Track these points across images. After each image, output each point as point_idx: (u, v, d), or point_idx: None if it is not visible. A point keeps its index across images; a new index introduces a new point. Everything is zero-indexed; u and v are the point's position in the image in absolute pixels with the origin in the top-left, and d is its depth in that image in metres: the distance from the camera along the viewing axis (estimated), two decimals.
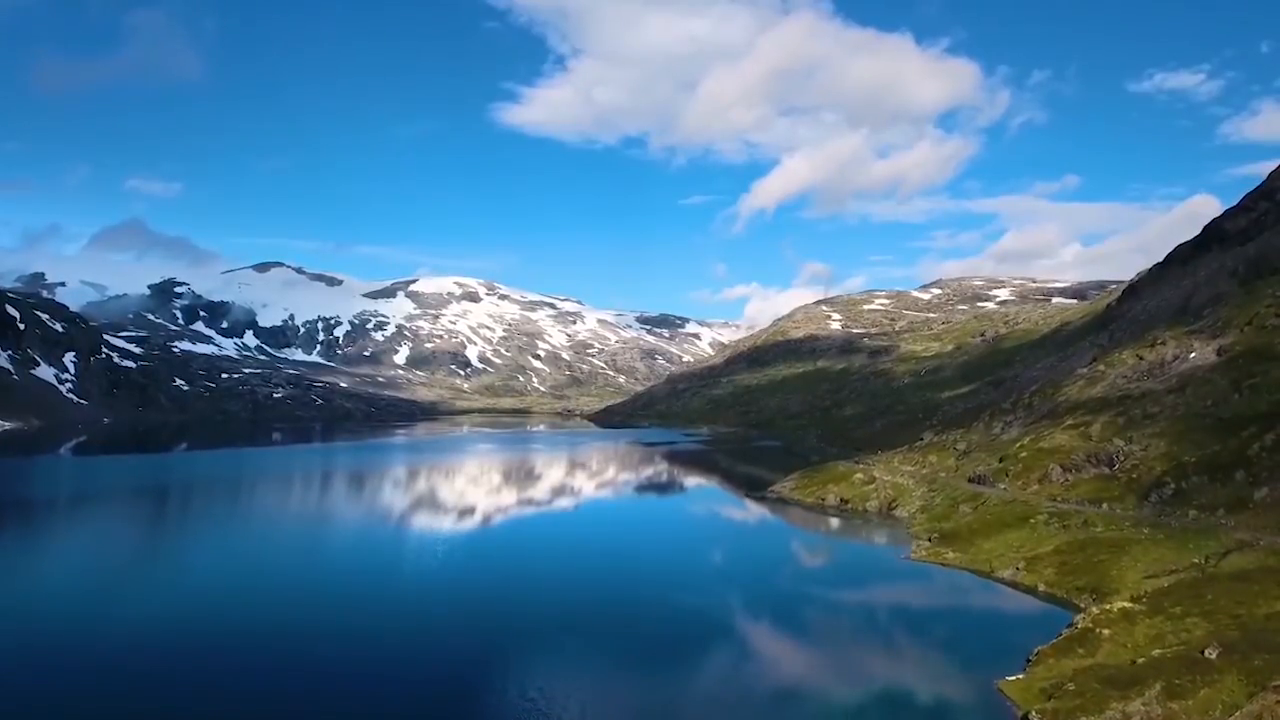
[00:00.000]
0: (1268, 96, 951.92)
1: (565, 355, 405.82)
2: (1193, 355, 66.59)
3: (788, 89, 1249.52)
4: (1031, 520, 48.22)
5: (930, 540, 50.89)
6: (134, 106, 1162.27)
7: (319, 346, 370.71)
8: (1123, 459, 53.17)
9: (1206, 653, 24.33)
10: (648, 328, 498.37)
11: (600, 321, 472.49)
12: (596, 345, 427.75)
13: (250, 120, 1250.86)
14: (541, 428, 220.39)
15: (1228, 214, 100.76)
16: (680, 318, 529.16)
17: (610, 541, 59.34)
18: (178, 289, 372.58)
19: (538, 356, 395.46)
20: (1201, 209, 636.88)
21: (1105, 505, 48.02)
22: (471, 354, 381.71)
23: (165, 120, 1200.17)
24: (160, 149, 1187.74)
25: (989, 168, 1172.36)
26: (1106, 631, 27.97)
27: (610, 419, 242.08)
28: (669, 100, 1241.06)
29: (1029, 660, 28.52)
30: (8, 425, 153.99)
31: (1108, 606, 30.22)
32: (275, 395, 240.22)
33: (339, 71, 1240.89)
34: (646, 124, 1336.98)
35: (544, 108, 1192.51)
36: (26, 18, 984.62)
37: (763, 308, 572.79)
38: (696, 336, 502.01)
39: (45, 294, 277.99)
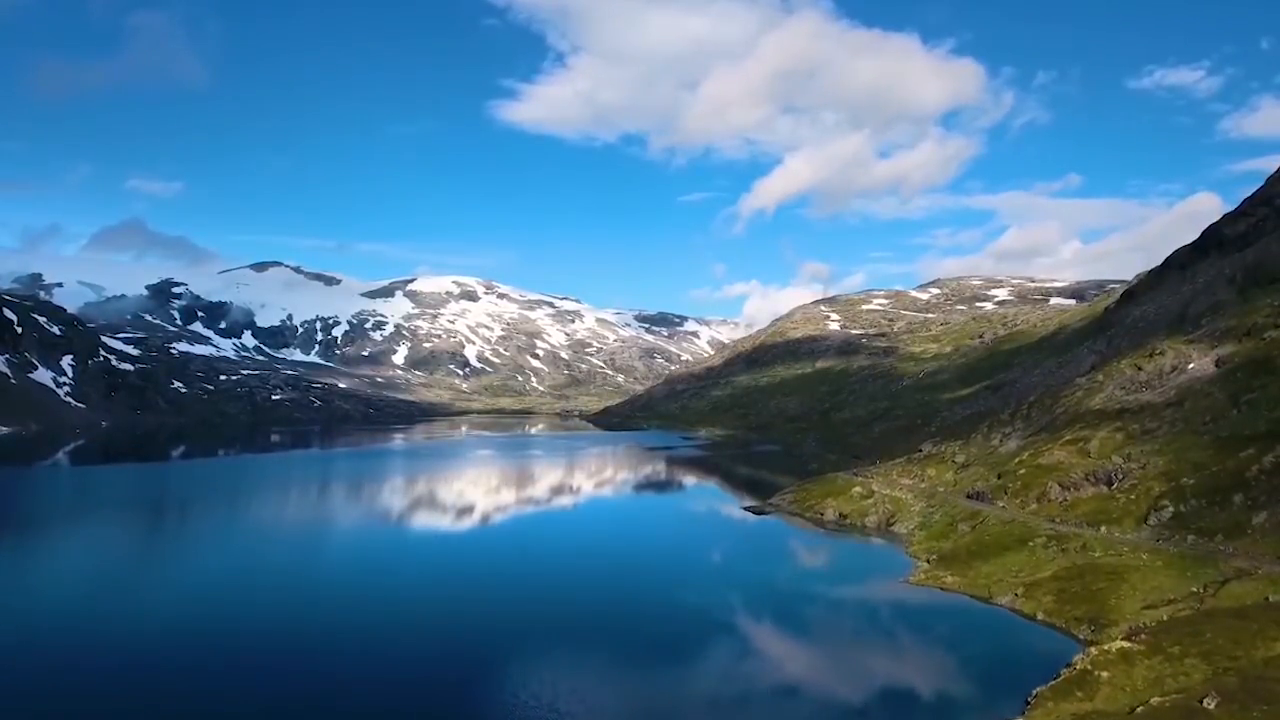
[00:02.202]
0: (1267, 93, 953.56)
1: (564, 354, 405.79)
2: (1191, 366, 66.43)
3: (790, 89, 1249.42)
4: (1030, 543, 48.06)
5: (929, 562, 50.80)
6: (134, 107, 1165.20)
7: (317, 347, 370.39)
8: (1121, 478, 53.03)
9: (1205, 702, 24.18)
10: (646, 326, 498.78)
11: (599, 320, 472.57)
12: (595, 344, 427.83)
13: (250, 120, 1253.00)
14: (541, 428, 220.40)
15: (1226, 219, 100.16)
16: (679, 316, 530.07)
17: (599, 559, 58.78)
18: (175, 289, 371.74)
19: (536, 356, 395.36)
20: (1201, 206, 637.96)
21: (1104, 528, 47.87)
22: (470, 353, 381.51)
23: (165, 120, 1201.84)
24: (160, 149, 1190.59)
25: (990, 167, 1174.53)
26: (1105, 674, 27.85)
27: (609, 420, 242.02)
28: (670, 99, 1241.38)
29: (1028, 702, 28.38)
30: (5, 429, 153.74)
31: (1106, 647, 30.09)
32: (274, 397, 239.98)
33: (338, 70, 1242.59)
34: (647, 122, 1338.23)
35: (543, 105, 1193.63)
36: (28, 19, 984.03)
37: (761, 305, 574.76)
38: (695, 335, 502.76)
39: (43, 295, 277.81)
